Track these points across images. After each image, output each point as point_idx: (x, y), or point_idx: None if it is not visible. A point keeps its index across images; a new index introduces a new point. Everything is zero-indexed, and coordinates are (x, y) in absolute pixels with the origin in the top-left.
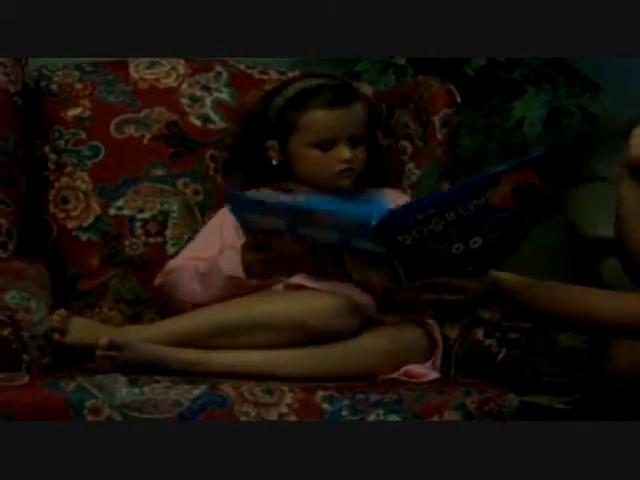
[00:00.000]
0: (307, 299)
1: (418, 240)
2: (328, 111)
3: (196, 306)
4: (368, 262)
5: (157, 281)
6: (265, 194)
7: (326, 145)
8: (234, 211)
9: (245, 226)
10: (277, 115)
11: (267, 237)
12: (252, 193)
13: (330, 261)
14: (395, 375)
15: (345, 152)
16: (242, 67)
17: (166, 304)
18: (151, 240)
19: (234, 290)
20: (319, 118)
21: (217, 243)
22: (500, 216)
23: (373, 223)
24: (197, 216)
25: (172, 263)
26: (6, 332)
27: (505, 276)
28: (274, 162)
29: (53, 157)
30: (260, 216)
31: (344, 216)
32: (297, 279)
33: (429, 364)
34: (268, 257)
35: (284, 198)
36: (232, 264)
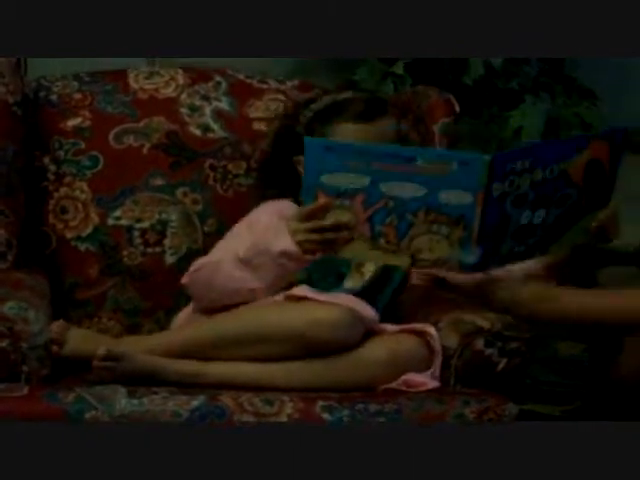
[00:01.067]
0: (307, 311)
1: (503, 195)
2: (353, 125)
3: (239, 299)
4: (446, 220)
5: (184, 280)
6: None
7: None
8: (313, 162)
9: (312, 185)
10: (305, 129)
11: (323, 207)
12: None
13: (393, 224)
14: (394, 385)
15: None
16: (241, 76)
17: (165, 314)
18: (150, 250)
19: (288, 268)
20: (345, 132)
21: (246, 236)
22: (567, 192)
23: (487, 157)
24: (196, 225)
25: (201, 260)
26: (5, 343)
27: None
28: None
29: (52, 167)
30: (341, 172)
31: (450, 156)
32: (298, 290)
33: (428, 373)
34: (319, 227)
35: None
36: (281, 239)
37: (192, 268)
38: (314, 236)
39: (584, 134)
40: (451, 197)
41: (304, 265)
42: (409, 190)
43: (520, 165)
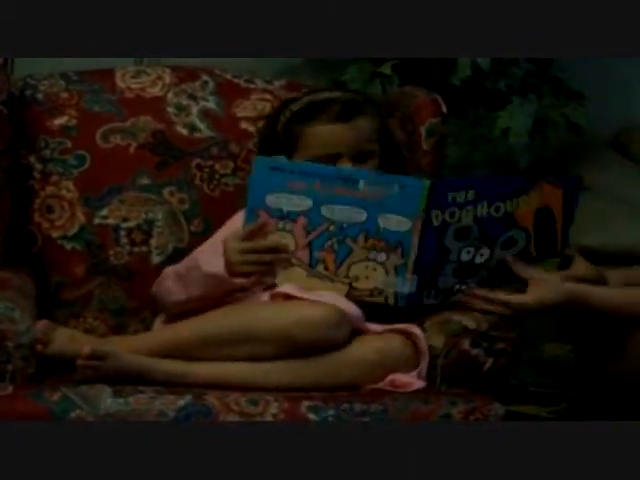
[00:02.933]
0: (293, 310)
1: (444, 225)
2: (330, 126)
3: (180, 309)
4: (384, 247)
5: (152, 290)
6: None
7: (329, 160)
8: (259, 182)
9: (256, 206)
10: (283, 128)
11: (263, 227)
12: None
13: (332, 249)
14: (381, 385)
15: (346, 167)
16: (228, 76)
17: (151, 314)
18: (136, 249)
19: (216, 289)
20: (320, 133)
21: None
22: (513, 236)
23: (427, 182)
24: (182, 225)
25: (166, 270)
26: None
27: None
28: None
29: (38, 166)
30: (284, 193)
31: (391, 180)
32: (284, 288)
33: (415, 373)
34: (255, 249)
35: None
36: (212, 260)
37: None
38: (251, 257)
39: (532, 176)
40: (390, 222)
41: (234, 289)
42: (349, 214)
43: (463, 196)
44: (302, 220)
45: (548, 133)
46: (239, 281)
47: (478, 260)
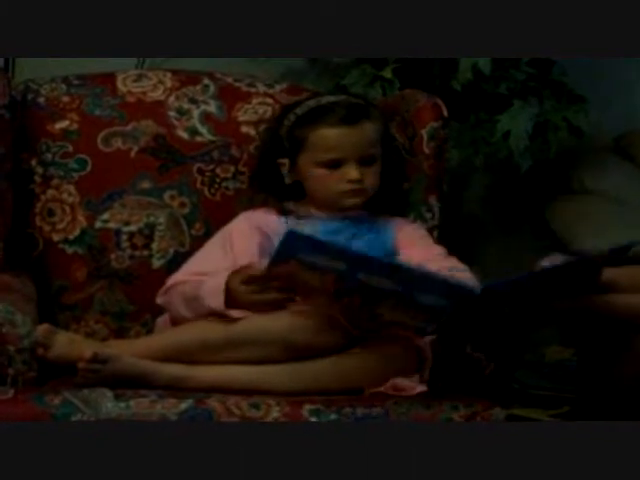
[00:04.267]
0: (291, 315)
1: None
2: (336, 129)
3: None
4: (413, 313)
5: (158, 300)
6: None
7: (334, 164)
8: (290, 247)
9: (287, 256)
10: (287, 132)
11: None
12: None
13: (359, 296)
14: (382, 389)
15: (352, 172)
16: (229, 80)
17: (152, 318)
18: (137, 253)
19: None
20: (326, 136)
21: (220, 254)
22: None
23: (477, 291)
24: (184, 229)
25: (171, 280)
26: None
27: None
28: (287, 180)
29: (40, 170)
30: (321, 256)
31: (443, 283)
32: None
33: (416, 378)
34: (262, 289)
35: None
36: (213, 294)
37: (164, 287)
38: (255, 297)
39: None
40: (427, 298)
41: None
42: (386, 284)
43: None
44: (333, 275)
45: (549, 136)
46: (237, 314)
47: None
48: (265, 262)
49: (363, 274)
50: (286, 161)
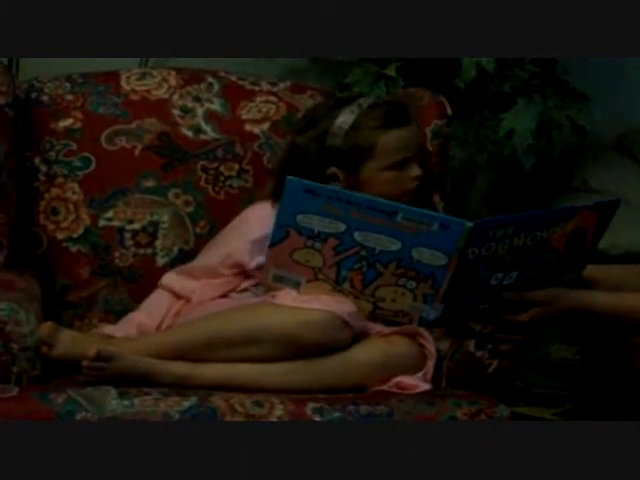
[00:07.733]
0: (298, 312)
1: (479, 258)
2: (404, 130)
3: None
4: (415, 276)
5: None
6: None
7: (401, 165)
8: (291, 202)
9: (286, 224)
10: (345, 143)
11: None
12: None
13: (361, 271)
14: (386, 387)
15: (416, 169)
16: (233, 78)
17: None
18: (141, 251)
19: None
20: (397, 138)
21: (214, 252)
22: (545, 256)
23: (469, 224)
24: (188, 227)
25: (163, 278)
26: None
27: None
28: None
29: (44, 168)
30: (317, 215)
31: (432, 217)
32: (281, 299)
33: (420, 375)
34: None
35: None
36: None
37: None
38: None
39: (574, 206)
40: (425, 255)
41: None
42: (383, 242)
43: (502, 232)
44: (332, 241)
45: (552, 135)
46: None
47: (506, 282)
48: (259, 259)
49: (360, 233)
50: (337, 171)
